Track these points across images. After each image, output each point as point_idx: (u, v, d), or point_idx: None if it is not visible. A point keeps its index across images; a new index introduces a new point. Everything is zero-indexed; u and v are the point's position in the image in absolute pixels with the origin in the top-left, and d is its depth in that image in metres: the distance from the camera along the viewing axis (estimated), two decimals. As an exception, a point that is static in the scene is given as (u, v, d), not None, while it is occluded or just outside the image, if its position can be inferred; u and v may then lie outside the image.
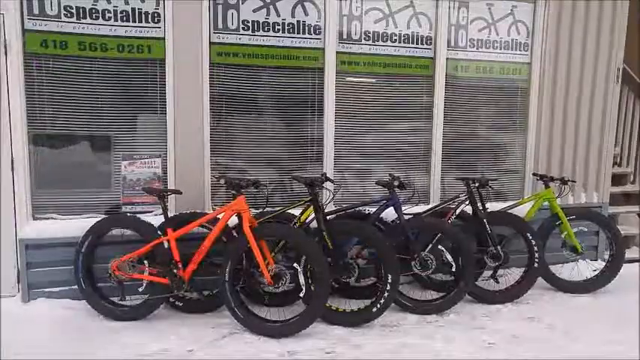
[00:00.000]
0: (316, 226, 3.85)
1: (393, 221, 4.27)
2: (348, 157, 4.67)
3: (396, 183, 3.97)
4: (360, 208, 4.26)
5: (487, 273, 4.46)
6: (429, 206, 4.56)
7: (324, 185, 3.95)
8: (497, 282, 4.35)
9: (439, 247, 4.07)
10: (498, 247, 4.29)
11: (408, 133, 4.82)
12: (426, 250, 4.11)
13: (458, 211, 4.34)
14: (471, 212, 4.36)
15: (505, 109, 5.08)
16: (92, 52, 3.93)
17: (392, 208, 4.04)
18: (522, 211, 4.62)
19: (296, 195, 4.53)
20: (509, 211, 4.53)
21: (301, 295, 3.57)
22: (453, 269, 4.03)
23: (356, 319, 3.75)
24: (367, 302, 3.81)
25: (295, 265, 3.59)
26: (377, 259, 3.93)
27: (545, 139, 5.12)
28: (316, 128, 4.53)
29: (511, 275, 4.49)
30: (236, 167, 4.42)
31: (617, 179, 5.92)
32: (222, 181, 3.62)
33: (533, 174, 4.98)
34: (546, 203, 4.62)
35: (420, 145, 4.87)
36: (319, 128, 4.53)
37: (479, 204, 4.32)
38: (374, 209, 4.19)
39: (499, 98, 5.05)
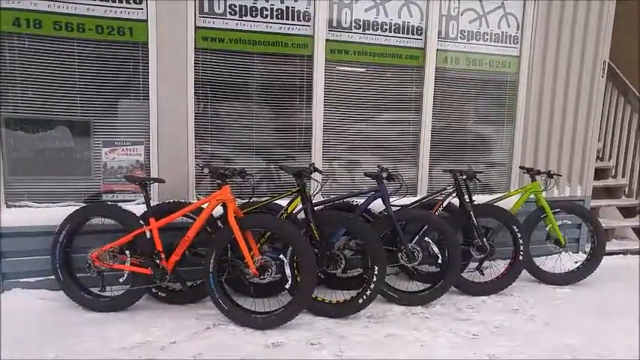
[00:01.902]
0: (303, 217, 3.78)
1: (380, 213, 4.23)
2: (337, 147, 4.60)
3: (384, 175, 3.92)
4: (348, 199, 4.21)
5: (472, 265, 4.47)
6: (417, 198, 4.53)
7: (312, 176, 3.86)
8: (483, 274, 4.37)
9: (426, 238, 4.05)
10: (484, 240, 4.29)
11: (396, 124, 4.77)
12: (413, 241, 4.09)
13: (445, 204, 4.32)
14: (458, 204, 4.35)
15: (493, 102, 5.07)
16: (68, 33, 3.76)
17: (380, 199, 4.00)
18: (508, 203, 4.63)
19: (283, 185, 4.45)
20: (495, 204, 4.53)
21: (287, 286, 3.51)
22: (439, 261, 4.02)
23: (342, 311, 3.71)
24: (353, 293, 3.78)
25: (281, 256, 3.53)
26: (364, 250, 3.90)
27: (533, 133, 5.13)
28: (304, 117, 4.45)
29: (496, 267, 4.52)
30: (222, 156, 4.31)
31: (599, 173, 5.99)
32: (206, 171, 3.52)
33: (520, 167, 5.00)
34: (533, 196, 4.62)
35: (409, 137, 4.83)
36: (307, 117, 4.44)
37: (466, 196, 4.30)
38: (362, 201, 4.14)
39: (488, 91, 5.03)
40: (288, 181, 4.41)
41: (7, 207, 3.82)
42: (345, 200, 4.19)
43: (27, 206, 3.87)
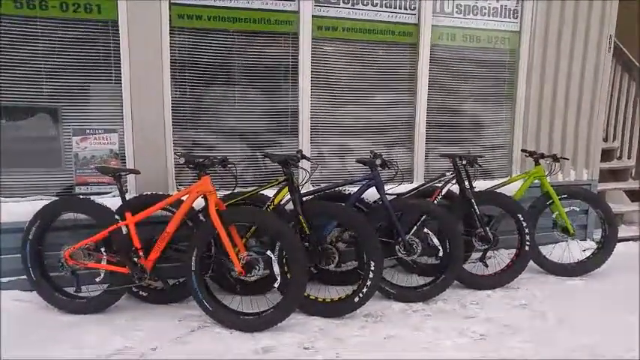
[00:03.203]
0: (292, 208, 3.51)
1: (375, 202, 3.96)
2: (326, 131, 4.31)
3: (377, 161, 3.63)
4: (339, 188, 3.93)
5: (474, 256, 4.22)
6: (413, 185, 4.25)
7: (299, 164, 3.56)
8: (487, 266, 4.11)
9: (425, 230, 3.78)
10: (487, 229, 4.03)
11: (389, 106, 4.48)
12: (411, 232, 3.81)
13: (444, 191, 4.05)
14: (457, 192, 4.08)
15: (492, 81, 4.78)
16: (30, 11, 3.42)
17: (374, 188, 3.72)
18: (510, 189, 4.37)
19: (270, 174, 4.16)
20: (497, 190, 4.27)
21: (276, 285, 3.24)
22: (440, 254, 3.75)
23: (337, 310, 3.45)
24: (349, 290, 3.53)
25: (269, 252, 3.25)
26: (358, 243, 3.63)
27: (534, 114, 4.84)
28: (291, 99, 4.14)
29: (500, 258, 4.27)
30: (203, 143, 4.01)
31: (604, 155, 5.71)
32: (182, 161, 3.21)
33: (522, 150, 4.72)
34: (537, 181, 4.36)
35: (403, 120, 4.53)
36: (294, 99, 4.14)
37: (466, 183, 4.03)
38: (354, 189, 3.87)
39: (486, 70, 4.73)
40: (275, 170, 4.11)
41: (-27, 203, 3.52)
42: (335, 189, 3.91)
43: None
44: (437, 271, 3.86)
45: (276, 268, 3.22)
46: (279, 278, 3.22)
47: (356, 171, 4.33)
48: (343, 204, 3.77)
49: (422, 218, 3.89)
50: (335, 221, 3.66)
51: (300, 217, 3.41)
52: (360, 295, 3.41)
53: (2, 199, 3.57)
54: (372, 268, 3.40)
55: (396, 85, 4.45)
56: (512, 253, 4.22)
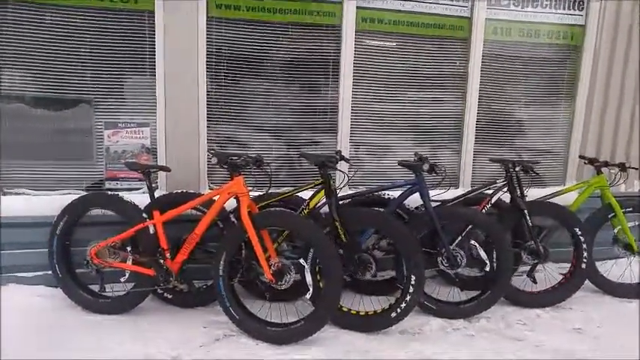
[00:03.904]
0: (327, 212, 3.27)
1: (416, 208, 3.69)
2: (366, 130, 4.04)
3: (425, 166, 3.34)
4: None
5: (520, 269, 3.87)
6: (459, 192, 3.93)
7: (337, 166, 3.31)
8: (535, 282, 3.76)
9: (472, 242, 3.47)
10: (539, 242, 3.68)
11: (436, 104, 4.16)
12: (454, 243, 3.52)
13: (494, 199, 3.72)
14: (505, 200, 3.74)
15: (549, 80, 4.38)
16: (66, 1, 3.31)
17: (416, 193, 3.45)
18: (566, 199, 3.99)
19: (306, 174, 3.94)
20: (550, 200, 3.91)
21: (308, 296, 3.02)
22: (487, 268, 3.44)
23: (371, 324, 3.20)
24: (384, 304, 3.28)
25: (302, 261, 3.03)
26: (398, 252, 3.37)
27: (597, 117, 4.42)
28: (330, 96, 3.90)
29: (547, 272, 3.88)
30: (237, 139, 3.83)
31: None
32: (214, 160, 3.02)
33: (580, 157, 4.31)
34: (598, 192, 3.96)
35: (450, 120, 4.21)
36: (334, 96, 3.89)
37: (518, 191, 3.69)
38: (393, 193, 3.61)
39: (543, 67, 4.34)
40: (310, 170, 3.90)
41: (3, 194, 3.45)
42: (375, 194, 3.66)
43: (24, 194, 3.49)
44: (480, 285, 3.56)
45: (309, 278, 3.00)
46: (311, 289, 3.00)
47: (396, 174, 4.06)
48: (381, 209, 3.52)
49: (467, 228, 3.60)
50: (373, 229, 3.41)
51: (337, 223, 3.17)
52: (398, 310, 3.16)
53: (31, 192, 3.49)
54: (413, 283, 3.13)
55: (444, 83, 4.14)
56: (562, 268, 3.87)
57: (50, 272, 3.36)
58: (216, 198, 3.14)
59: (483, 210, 3.70)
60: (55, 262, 3.33)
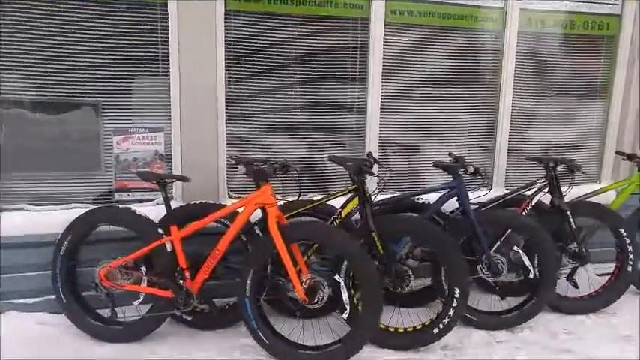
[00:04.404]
0: (357, 219, 3.01)
1: (452, 213, 3.42)
2: (394, 130, 3.76)
3: (470, 169, 3.06)
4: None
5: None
6: (496, 194, 3.65)
7: (372, 170, 3.00)
8: (577, 286, 3.52)
9: (515, 247, 3.21)
10: (582, 245, 3.42)
11: (467, 100, 3.89)
12: (492, 249, 3.25)
13: (534, 201, 3.46)
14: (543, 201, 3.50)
15: (583, 72, 4.12)
16: (67, -7, 3.01)
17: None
18: (604, 199, 3.74)
19: (332, 178, 3.66)
20: (588, 200, 3.66)
21: (345, 315, 2.74)
22: (531, 275, 3.18)
23: (412, 341, 2.95)
24: (424, 318, 3.02)
25: (337, 277, 2.76)
26: (436, 260, 3.11)
27: (634, 111, 4.15)
28: (357, 93, 3.61)
29: (585, 275, 3.63)
30: (257, 142, 3.53)
31: None
32: (242, 169, 2.72)
33: (617, 152, 4.06)
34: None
35: (482, 116, 3.94)
36: (361, 93, 3.61)
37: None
38: (428, 197, 3.35)
39: (577, 59, 4.07)
40: (336, 175, 3.62)
41: (1, 211, 3.13)
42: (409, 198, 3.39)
43: (24, 210, 3.17)
44: (517, 290, 3.33)
45: (346, 296, 2.73)
46: (348, 308, 2.72)
47: (426, 176, 3.82)
48: (414, 215, 3.26)
49: (506, 233, 3.34)
50: (411, 237, 3.13)
51: (374, 234, 2.88)
52: (441, 325, 2.90)
53: (32, 207, 3.17)
54: (457, 296, 2.87)
55: (475, 77, 3.86)
56: (600, 269, 3.71)
57: (54, 297, 3.04)
58: (240, 210, 2.84)
59: (523, 212, 3.46)
60: (59, 285, 3.01)
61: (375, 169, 3.23)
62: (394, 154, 3.80)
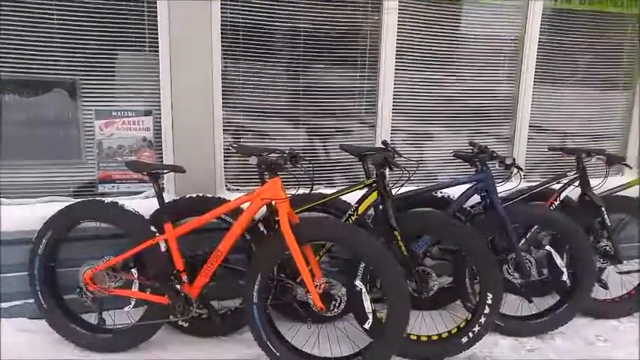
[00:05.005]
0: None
1: (473, 207, 3.11)
2: (406, 116, 3.42)
3: (508, 160, 2.74)
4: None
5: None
6: (516, 187, 3.33)
7: (397, 162, 2.64)
8: (607, 288, 3.25)
9: (547, 247, 2.92)
10: (615, 243, 3.15)
11: (484, 83, 3.56)
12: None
13: (563, 195, 3.17)
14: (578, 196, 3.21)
15: (608, 55, 3.81)
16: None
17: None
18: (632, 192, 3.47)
19: (337, 169, 3.32)
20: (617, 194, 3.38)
21: (367, 326, 2.41)
22: (564, 277, 2.90)
23: (438, 351, 2.66)
24: (451, 324, 2.72)
25: (358, 283, 2.43)
26: (459, 260, 2.81)
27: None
28: (367, 76, 3.26)
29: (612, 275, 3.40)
30: (256, 129, 3.17)
31: None
32: (253, 161, 2.34)
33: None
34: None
35: (500, 102, 3.63)
36: (371, 76, 3.26)
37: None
38: (449, 191, 3.05)
39: (603, 40, 3.76)
40: (343, 164, 3.28)
41: (-33, 205, 2.72)
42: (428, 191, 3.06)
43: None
44: (543, 292, 3.13)
45: (368, 304, 2.40)
46: (370, 317, 2.40)
47: (439, 165, 3.51)
48: (435, 211, 2.95)
49: (532, 229, 3.06)
50: (433, 236, 2.81)
51: (396, 233, 2.55)
52: (470, 334, 2.60)
53: (5, 200, 2.77)
54: (489, 302, 2.57)
55: (494, 58, 3.54)
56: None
57: (33, 301, 2.66)
58: (244, 205, 2.48)
59: (551, 207, 3.17)
60: (37, 288, 2.63)
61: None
62: (405, 143, 3.47)
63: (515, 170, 2.81)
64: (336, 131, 3.34)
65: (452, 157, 3.01)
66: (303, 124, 3.27)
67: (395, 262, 2.36)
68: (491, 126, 3.64)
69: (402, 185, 2.62)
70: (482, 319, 2.58)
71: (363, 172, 2.97)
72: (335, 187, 3.32)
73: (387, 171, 2.63)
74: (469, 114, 3.56)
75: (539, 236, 3.15)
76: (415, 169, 2.57)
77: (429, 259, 3.01)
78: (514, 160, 2.78)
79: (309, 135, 3.30)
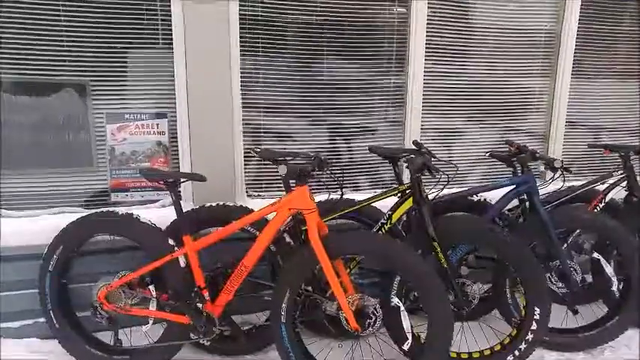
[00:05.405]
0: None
1: (511, 211, 2.90)
2: (436, 114, 3.20)
3: (557, 163, 2.51)
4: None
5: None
6: (553, 188, 3.11)
7: (436, 167, 2.41)
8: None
9: (595, 255, 2.70)
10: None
11: (518, 77, 3.33)
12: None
13: (609, 197, 2.95)
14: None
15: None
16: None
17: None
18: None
19: (364, 173, 3.11)
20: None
21: (406, 347, 2.21)
22: (614, 287, 2.68)
23: (481, 371, 2.44)
24: (495, 343, 2.50)
25: (396, 301, 2.22)
26: (498, 268, 2.62)
27: None
28: (394, 70, 3.04)
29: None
30: (277, 130, 2.97)
31: None
32: (282, 170, 2.13)
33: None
34: None
35: (534, 96, 3.40)
36: (399, 70, 3.04)
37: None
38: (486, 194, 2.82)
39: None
40: (366, 167, 3.07)
41: (-28, 217, 2.55)
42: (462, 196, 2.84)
43: (1, 216, 2.58)
44: (587, 298, 2.90)
45: (407, 324, 2.20)
46: (410, 337, 2.20)
47: (469, 165, 3.29)
48: (473, 217, 2.75)
49: (574, 234, 2.84)
50: (473, 245, 2.60)
51: (435, 243, 2.34)
52: (516, 352, 2.39)
53: (12, 212, 2.59)
54: (537, 317, 2.35)
55: (529, 50, 3.30)
56: None
57: (43, 320, 2.48)
58: (270, 216, 2.28)
59: (595, 210, 2.94)
60: (49, 307, 2.45)
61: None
62: (435, 142, 3.25)
63: (560, 173, 2.56)
64: (361, 130, 3.13)
65: (482, 157, 2.80)
66: (325, 123, 3.06)
67: (436, 278, 2.15)
68: (524, 122, 3.41)
69: (441, 190, 2.40)
70: (530, 336, 2.37)
71: (388, 175, 2.77)
72: (359, 191, 3.12)
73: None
74: (502, 110, 3.34)
75: (581, 241, 2.94)
76: (454, 173, 2.35)
77: (464, 267, 2.81)
78: (562, 162, 2.55)
79: (332, 135, 3.10)
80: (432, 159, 2.53)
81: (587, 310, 2.90)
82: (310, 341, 2.44)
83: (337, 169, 2.54)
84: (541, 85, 3.37)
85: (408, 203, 2.45)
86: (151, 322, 2.37)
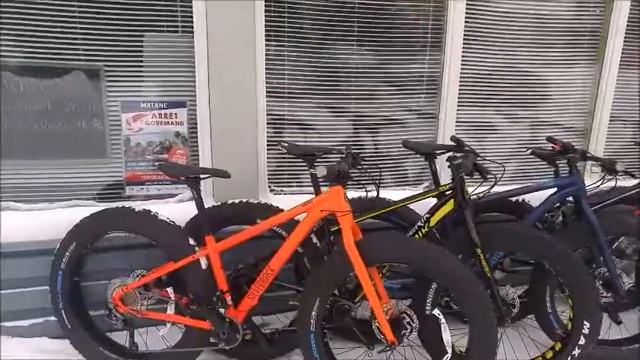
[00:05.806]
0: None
1: (551, 214, 2.70)
2: (472, 107, 3.00)
3: (618, 166, 2.30)
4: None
5: None
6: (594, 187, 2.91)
7: (485, 167, 2.20)
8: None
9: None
10: None
11: (560, 67, 3.11)
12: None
13: (658, 200, 2.75)
14: None
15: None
16: None
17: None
18: None
19: (392, 168, 2.92)
20: None
21: (446, 360, 2.04)
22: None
23: (519, 386, 2.27)
24: (535, 356, 2.34)
25: (436, 312, 2.04)
26: (536, 274, 2.44)
27: None
28: (428, 59, 2.83)
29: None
30: (303, 122, 2.78)
31: None
32: (321, 172, 1.93)
33: None
34: None
35: (577, 93, 3.18)
36: (434, 59, 2.83)
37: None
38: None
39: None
40: (395, 162, 2.88)
41: (-21, 210, 2.39)
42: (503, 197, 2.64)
43: (9, 209, 2.42)
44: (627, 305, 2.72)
45: (447, 337, 2.02)
46: (449, 351, 2.02)
47: (505, 162, 3.09)
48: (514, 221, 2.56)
49: (620, 240, 2.65)
50: (516, 251, 2.42)
51: (478, 250, 2.16)
52: (563, 367, 2.21)
53: (21, 205, 2.43)
54: (586, 332, 2.17)
55: (575, 40, 3.07)
56: None
57: (54, 319, 2.34)
58: (299, 217, 2.10)
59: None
60: (60, 305, 2.31)
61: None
62: (467, 137, 3.05)
63: (617, 175, 2.36)
64: (390, 122, 2.93)
65: (514, 154, 2.60)
66: (353, 115, 2.86)
67: (481, 288, 1.97)
68: (563, 116, 3.20)
69: (487, 192, 2.21)
70: (576, 352, 2.19)
71: (412, 172, 2.58)
72: (387, 189, 2.93)
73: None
74: (541, 102, 3.12)
75: (624, 245, 2.75)
76: (502, 174, 2.15)
77: (498, 271, 2.64)
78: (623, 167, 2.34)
79: (357, 127, 2.90)
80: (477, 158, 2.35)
81: (630, 318, 2.73)
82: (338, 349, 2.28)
83: (371, 165, 2.33)
84: (584, 76, 3.14)
85: (449, 206, 2.25)
86: (168, 325, 2.22)
